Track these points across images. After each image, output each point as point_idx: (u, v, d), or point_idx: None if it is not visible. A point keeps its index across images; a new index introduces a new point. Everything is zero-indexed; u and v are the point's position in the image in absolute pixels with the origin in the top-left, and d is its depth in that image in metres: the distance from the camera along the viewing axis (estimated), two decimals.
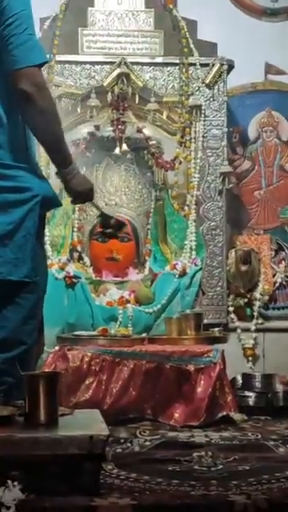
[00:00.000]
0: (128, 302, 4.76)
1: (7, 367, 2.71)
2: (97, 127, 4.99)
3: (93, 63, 4.99)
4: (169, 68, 5.06)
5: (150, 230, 5.12)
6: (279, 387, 4.67)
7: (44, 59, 2.74)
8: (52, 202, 2.88)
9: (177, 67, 5.05)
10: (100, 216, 3.31)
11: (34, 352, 2.86)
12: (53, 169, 4.72)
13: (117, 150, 5.01)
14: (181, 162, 5.02)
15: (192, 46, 5.06)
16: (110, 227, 3.26)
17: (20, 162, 2.77)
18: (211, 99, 5.08)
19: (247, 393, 4.58)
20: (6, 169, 2.73)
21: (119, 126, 4.98)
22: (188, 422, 4.11)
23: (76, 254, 4.99)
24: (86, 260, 5.02)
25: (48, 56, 4.19)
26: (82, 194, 2.96)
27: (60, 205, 3.01)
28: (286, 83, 5.60)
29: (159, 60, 5.05)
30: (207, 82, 5.05)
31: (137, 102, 5.00)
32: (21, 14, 2.68)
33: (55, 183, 2.99)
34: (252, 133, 5.56)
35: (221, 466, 3.08)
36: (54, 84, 4.79)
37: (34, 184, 2.77)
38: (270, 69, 5.63)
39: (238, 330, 5.14)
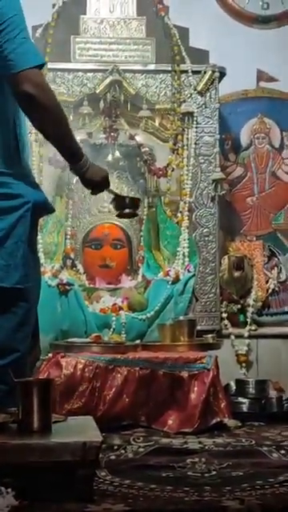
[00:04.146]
0: (121, 308, 4.77)
1: (0, 375, 2.70)
2: (89, 134, 5.00)
3: (85, 71, 5.00)
4: (161, 75, 5.07)
5: (142, 236, 5.12)
6: (273, 393, 4.68)
7: (42, 61, 2.75)
8: (44, 209, 2.89)
9: (169, 74, 5.06)
10: (113, 200, 3.22)
11: (27, 359, 2.85)
12: (45, 176, 4.78)
13: (109, 157, 5.02)
14: (173, 169, 5.03)
15: (184, 53, 5.07)
16: (126, 207, 3.21)
17: (11, 169, 2.77)
18: (203, 106, 5.09)
19: (241, 399, 4.59)
20: None
21: (112, 134, 5.00)
22: (182, 429, 4.11)
23: (69, 262, 4.99)
24: (79, 267, 5.02)
25: None
26: (99, 184, 2.98)
27: (52, 211, 3.02)
28: (278, 90, 5.61)
29: (151, 67, 5.07)
30: (199, 89, 5.06)
31: (129, 109, 5.01)
32: (13, 19, 2.68)
33: (47, 189, 3.00)
34: (244, 139, 5.58)
35: (214, 472, 3.08)
36: None
37: (25, 190, 2.78)
38: (261, 76, 5.63)
39: (232, 337, 5.14)
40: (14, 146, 2.80)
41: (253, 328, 5.18)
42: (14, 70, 2.66)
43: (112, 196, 3.19)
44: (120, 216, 3.28)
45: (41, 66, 2.73)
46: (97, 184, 2.98)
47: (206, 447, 3.67)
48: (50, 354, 4.33)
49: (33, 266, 2.84)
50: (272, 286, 5.37)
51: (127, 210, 3.20)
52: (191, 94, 5.07)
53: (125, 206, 3.18)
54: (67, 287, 4.70)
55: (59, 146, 2.87)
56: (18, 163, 2.81)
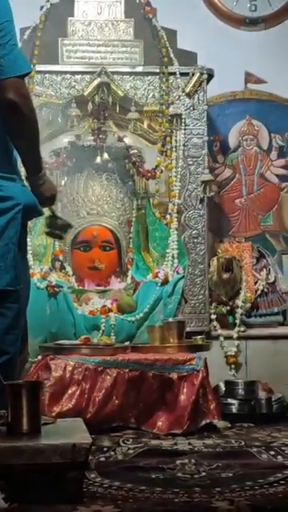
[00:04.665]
0: (110, 310, 4.77)
1: None
2: (78, 137, 5.00)
3: (73, 73, 4.99)
4: (149, 77, 5.07)
5: (131, 238, 5.12)
6: (262, 394, 4.67)
7: (28, 69, 2.79)
8: (34, 211, 2.90)
9: (157, 76, 5.06)
10: (48, 218, 3.25)
11: (17, 361, 2.85)
12: None
13: (98, 160, 5.03)
14: (162, 171, 5.03)
15: (172, 55, 5.07)
16: (57, 228, 3.25)
17: (1, 171, 2.78)
18: (191, 108, 5.09)
19: (230, 400, 4.59)
20: None
21: (100, 136, 5.00)
22: (171, 430, 4.12)
23: (58, 264, 4.99)
24: (68, 269, 5.02)
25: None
26: (47, 200, 3.01)
27: (42, 213, 3.03)
28: (266, 92, 5.63)
29: (139, 69, 5.07)
30: (187, 91, 5.07)
31: (117, 111, 5.01)
32: (4, 25, 2.72)
33: None
34: (232, 141, 5.59)
35: (204, 474, 3.08)
36: (34, 94, 4.78)
37: (15, 193, 2.79)
38: (249, 78, 5.65)
39: (221, 338, 5.13)
40: (5, 149, 2.81)
41: (242, 329, 5.18)
42: (1, 75, 2.69)
43: (49, 213, 3.24)
44: (48, 234, 3.36)
45: (27, 75, 2.76)
46: (45, 200, 3.00)
47: (196, 448, 3.67)
48: (40, 357, 4.32)
49: (23, 268, 2.85)
50: (261, 288, 5.37)
51: (56, 231, 3.28)
52: (179, 96, 5.07)
53: (56, 226, 3.24)
54: (56, 289, 4.69)
55: (28, 155, 2.89)
56: (7, 166, 2.82)
